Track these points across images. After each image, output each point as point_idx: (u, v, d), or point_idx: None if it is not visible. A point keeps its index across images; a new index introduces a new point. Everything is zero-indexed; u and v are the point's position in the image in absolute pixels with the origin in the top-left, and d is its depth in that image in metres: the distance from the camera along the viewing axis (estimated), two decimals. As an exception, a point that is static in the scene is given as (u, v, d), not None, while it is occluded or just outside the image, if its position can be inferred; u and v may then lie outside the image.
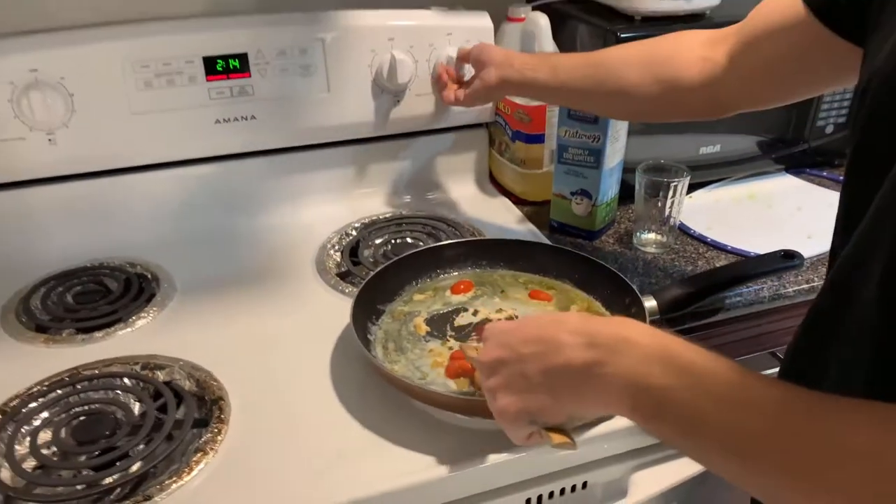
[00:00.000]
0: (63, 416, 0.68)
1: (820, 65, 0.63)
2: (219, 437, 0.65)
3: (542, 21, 0.98)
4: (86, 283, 0.89)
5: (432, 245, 0.87)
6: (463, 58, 0.95)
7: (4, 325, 0.81)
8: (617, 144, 0.93)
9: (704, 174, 1.05)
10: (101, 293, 0.87)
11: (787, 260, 0.80)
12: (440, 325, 0.78)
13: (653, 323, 0.71)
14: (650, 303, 0.72)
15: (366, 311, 0.77)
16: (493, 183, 1.11)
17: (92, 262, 0.92)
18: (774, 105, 0.73)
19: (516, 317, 0.78)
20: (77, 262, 0.92)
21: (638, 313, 0.71)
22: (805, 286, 0.87)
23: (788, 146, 1.11)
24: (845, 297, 0.47)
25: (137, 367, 0.74)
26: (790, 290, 0.86)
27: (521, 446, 0.57)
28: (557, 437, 0.51)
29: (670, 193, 0.91)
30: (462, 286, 0.83)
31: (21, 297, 0.86)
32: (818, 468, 0.36)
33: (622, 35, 0.92)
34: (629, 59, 0.76)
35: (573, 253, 0.83)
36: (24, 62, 0.85)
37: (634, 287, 0.73)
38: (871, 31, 0.51)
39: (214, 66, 0.92)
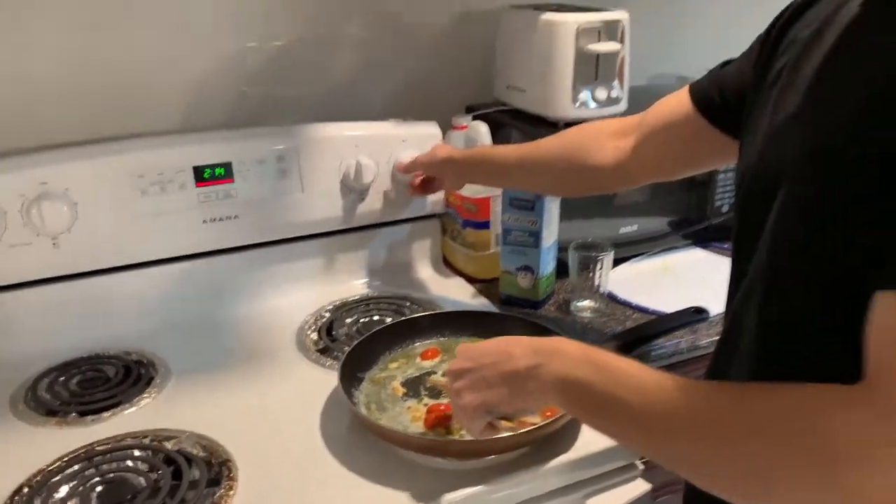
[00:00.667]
0: (85, 486, 0.76)
1: (704, 150, 0.82)
2: (230, 493, 0.74)
3: (483, 129, 1.17)
4: (86, 371, 0.98)
5: (403, 319, 1.01)
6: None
7: (15, 412, 0.89)
8: (552, 227, 1.10)
9: (626, 250, 1.23)
10: (102, 380, 0.96)
11: (697, 314, 0.97)
12: (414, 386, 0.90)
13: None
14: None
15: (348, 378, 0.89)
16: (447, 265, 1.26)
17: (90, 353, 1.01)
18: (673, 178, 0.91)
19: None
20: (77, 353, 1.00)
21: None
22: (716, 338, 1.03)
23: (694, 224, 1.30)
24: (738, 325, 0.63)
25: (147, 440, 0.83)
26: (703, 342, 1.03)
27: (478, 438, 0.70)
28: (507, 424, 0.68)
29: (598, 266, 1.08)
30: (430, 352, 0.96)
31: (27, 387, 0.94)
32: (704, 436, 0.50)
33: (549, 138, 1.11)
34: (552, 148, 0.95)
35: (521, 318, 0.98)
36: (34, 176, 0.97)
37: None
38: (743, 129, 0.69)
39: (202, 174, 1.05)
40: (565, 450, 0.80)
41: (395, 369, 0.94)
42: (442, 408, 0.83)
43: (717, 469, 0.50)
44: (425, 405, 0.86)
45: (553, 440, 0.80)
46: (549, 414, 0.80)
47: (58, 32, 1.05)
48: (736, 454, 0.48)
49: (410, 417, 0.84)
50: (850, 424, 0.43)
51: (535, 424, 0.74)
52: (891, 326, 0.44)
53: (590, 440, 0.81)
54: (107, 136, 1.06)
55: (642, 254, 1.27)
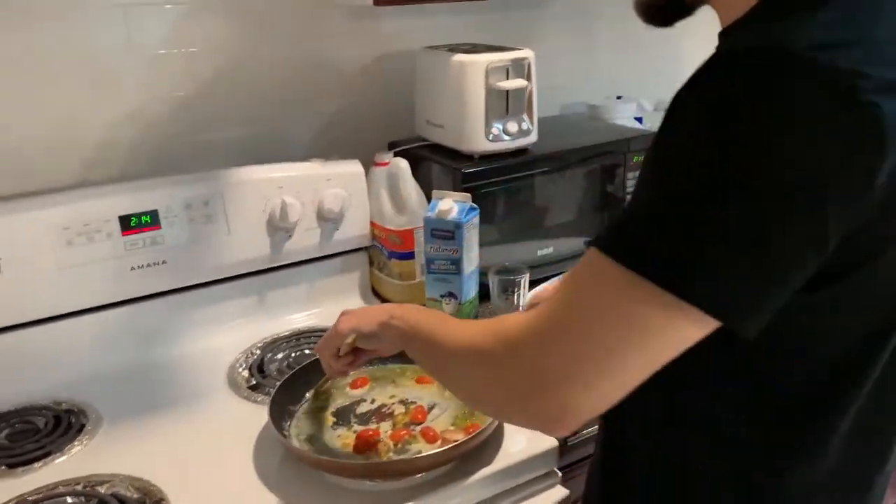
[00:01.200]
0: (16, 537, 0.77)
1: None
2: (165, 531, 0.77)
3: (403, 164, 1.22)
4: (14, 424, 0.98)
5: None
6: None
7: (-59, 470, 0.89)
8: (471, 254, 1.15)
9: (543, 271, 1.30)
10: (32, 431, 0.97)
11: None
12: (345, 415, 0.94)
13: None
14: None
15: (279, 413, 0.92)
16: (376, 295, 1.31)
17: (19, 406, 1.01)
18: None
19: (408, 401, 0.95)
20: (5, 406, 1.00)
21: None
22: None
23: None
24: None
25: (80, 486, 0.84)
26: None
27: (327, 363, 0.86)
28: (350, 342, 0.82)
29: (517, 288, 1.14)
30: (359, 382, 1.00)
31: (-46, 444, 0.93)
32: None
33: (464, 171, 1.17)
34: None
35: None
36: (-45, 234, 0.98)
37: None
38: None
39: (129, 223, 1.08)
40: (488, 462, 0.85)
41: (324, 400, 0.97)
42: (370, 433, 0.87)
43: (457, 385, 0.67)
44: (355, 432, 0.90)
45: (476, 455, 0.85)
46: (470, 430, 0.85)
47: (-24, 90, 1.07)
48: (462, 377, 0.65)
49: (341, 444, 0.88)
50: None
51: (457, 441, 0.79)
52: (575, 269, 0.55)
53: (511, 452, 0.86)
54: (28, 191, 1.07)
55: (559, 273, 1.34)
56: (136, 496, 0.82)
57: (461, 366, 0.64)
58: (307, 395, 0.98)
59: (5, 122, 1.09)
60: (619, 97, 1.64)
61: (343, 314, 0.85)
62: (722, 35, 0.60)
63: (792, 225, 0.48)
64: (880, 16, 0.52)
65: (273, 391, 0.93)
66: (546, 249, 1.31)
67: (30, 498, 0.83)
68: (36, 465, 0.89)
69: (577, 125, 1.53)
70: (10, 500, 0.82)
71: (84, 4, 1.11)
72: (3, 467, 0.89)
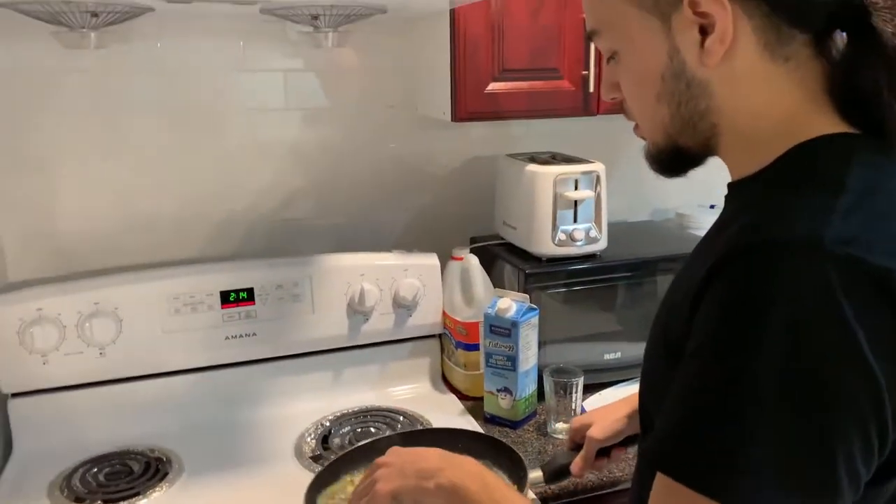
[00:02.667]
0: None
1: None
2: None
3: (474, 261, 1.32)
4: (115, 465, 1.14)
5: (367, 441, 1.10)
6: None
7: (51, 497, 1.06)
8: (529, 352, 1.21)
9: (609, 375, 1.32)
10: (126, 472, 1.12)
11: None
12: None
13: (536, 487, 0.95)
14: (535, 473, 0.96)
15: (319, 485, 0.99)
16: (445, 382, 1.38)
17: (121, 449, 1.18)
18: None
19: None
20: (110, 448, 1.17)
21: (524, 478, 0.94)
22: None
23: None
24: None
25: (152, 528, 0.97)
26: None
27: None
28: None
29: (572, 390, 1.18)
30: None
31: (65, 476, 1.11)
32: None
33: (527, 271, 1.24)
34: None
35: (489, 437, 1.08)
36: (89, 297, 1.18)
37: (524, 460, 0.97)
38: None
39: (228, 297, 1.24)
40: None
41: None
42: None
43: None
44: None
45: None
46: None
47: (114, 178, 1.30)
48: None
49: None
50: None
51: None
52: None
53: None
54: (149, 261, 1.28)
55: (627, 379, 1.35)
56: (192, 544, 0.94)
57: None
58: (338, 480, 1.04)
59: (153, 201, 1.32)
60: (711, 206, 1.64)
61: (384, 464, 0.80)
62: (731, 188, 0.65)
63: (852, 419, 0.49)
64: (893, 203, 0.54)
65: (309, 483, 1.00)
66: (614, 354, 1.34)
67: (111, 533, 0.97)
68: (123, 503, 1.04)
69: (657, 234, 1.55)
70: (95, 533, 0.96)
71: (223, 113, 1.33)
72: (100, 501, 1.05)
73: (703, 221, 1.59)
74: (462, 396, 1.33)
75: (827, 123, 0.59)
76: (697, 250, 0.66)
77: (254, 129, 1.37)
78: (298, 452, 1.17)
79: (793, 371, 0.48)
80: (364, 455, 1.06)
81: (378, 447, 1.08)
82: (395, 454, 0.82)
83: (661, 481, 0.54)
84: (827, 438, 0.48)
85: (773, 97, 0.61)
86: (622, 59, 0.67)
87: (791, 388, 0.48)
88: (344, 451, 1.07)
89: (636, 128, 0.71)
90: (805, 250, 0.49)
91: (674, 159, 0.68)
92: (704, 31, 0.59)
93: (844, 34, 0.60)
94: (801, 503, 0.49)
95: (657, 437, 0.55)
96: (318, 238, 1.44)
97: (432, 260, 1.35)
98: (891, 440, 0.50)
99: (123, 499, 1.05)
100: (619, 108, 0.71)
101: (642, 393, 0.72)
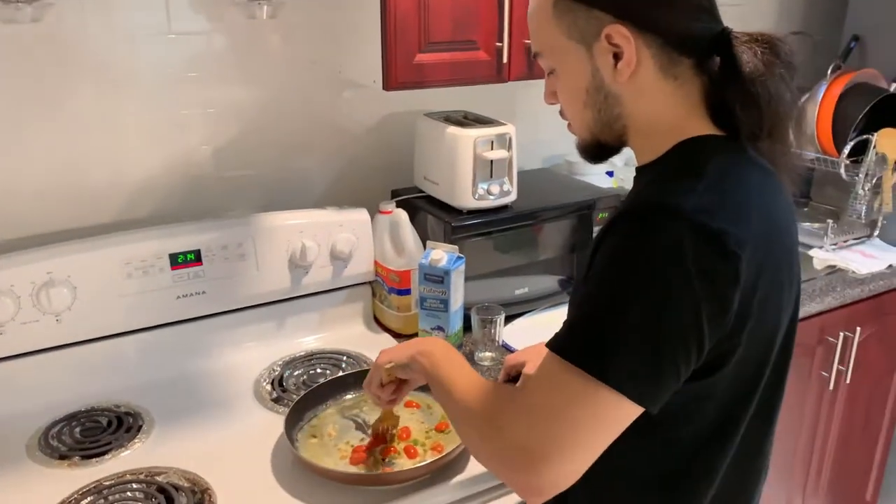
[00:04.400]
0: (98, 512, 1.02)
1: None
2: (211, 512, 1.01)
3: (403, 216, 1.47)
4: (84, 423, 1.22)
5: (336, 376, 1.28)
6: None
7: (32, 457, 1.13)
8: (457, 295, 1.40)
9: (519, 308, 1.54)
10: (99, 429, 1.21)
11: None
12: (345, 431, 1.18)
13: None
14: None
15: (293, 422, 1.16)
16: (377, 323, 1.55)
17: (87, 407, 1.25)
18: None
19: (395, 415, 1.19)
20: (76, 407, 1.25)
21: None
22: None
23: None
24: None
25: (143, 475, 1.09)
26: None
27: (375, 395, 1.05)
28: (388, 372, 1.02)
29: (494, 325, 1.39)
30: (412, 403, 1.22)
31: (40, 436, 1.18)
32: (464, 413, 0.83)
33: (453, 224, 1.42)
34: None
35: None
36: (41, 267, 1.22)
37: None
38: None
39: (177, 259, 1.32)
40: (460, 471, 1.10)
41: (327, 417, 1.21)
42: (364, 448, 1.11)
43: (461, 435, 0.87)
44: (351, 446, 1.14)
45: (449, 468, 1.09)
46: (440, 450, 1.09)
47: (48, 144, 1.31)
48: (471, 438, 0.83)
49: (339, 455, 1.12)
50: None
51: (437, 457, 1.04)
52: (543, 368, 0.75)
53: (476, 467, 1.11)
54: (89, 225, 1.32)
55: (534, 310, 1.58)
56: (187, 485, 1.06)
57: (465, 426, 0.84)
58: (316, 409, 1.21)
59: (65, 172, 1.34)
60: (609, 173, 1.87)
61: (382, 351, 1.04)
62: (638, 171, 0.85)
63: (681, 333, 0.71)
64: (740, 183, 0.77)
65: (287, 411, 1.16)
66: (522, 289, 1.56)
67: (105, 483, 1.07)
68: (106, 457, 1.13)
69: (553, 182, 1.75)
70: (90, 484, 1.06)
71: (149, 77, 1.36)
72: (78, 458, 1.13)
73: (589, 167, 1.82)
74: (395, 335, 1.51)
75: (702, 126, 0.82)
76: (613, 211, 0.88)
77: (181, 92, 1.41)
78: (258, 396, 1.30)
79: (648, 297, 0.70)
80: (323, 393, 1.23)
81: (340, 384, 1.25)
82: (386, 349, 1.04)
83: (547, 357, 0.75)
84: (663, 342, 0.71)
85: (665, 106, 0.82)
86: (559, 75, 0.86)
87: (644, 309, 0.70)
88: (303, 391, 1.23)
89: (569, 126, 0.90)
90: (669, 214, 0.71)
91: (597, 150, 0.90)
92: (617, 57, 0.80)
93: (718, 59, 0.81)
94: (633, 376, 0.71)
95: (555, 334, 0.77)
96: (249, 196, 1.52)
97: (363, 215, 1.49)
98: (706, 350, 0.73)
99: (105, 452, 1.14)
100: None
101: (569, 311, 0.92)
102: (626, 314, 0.71)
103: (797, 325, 0.88)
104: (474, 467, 1.10)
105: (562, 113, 0.90)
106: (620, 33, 0.77)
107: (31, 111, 1.29)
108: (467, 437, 0.85)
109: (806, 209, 2.18)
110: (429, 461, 1.06)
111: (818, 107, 1.92)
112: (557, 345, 0.75)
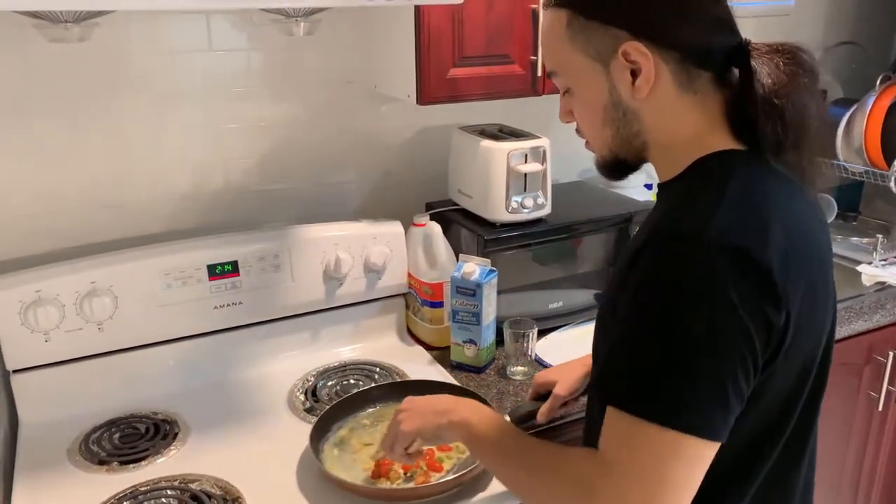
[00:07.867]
0: (133, 518, 1.04)
1: None
2: (241, 521, 1.03)
3: (437, 229, 1.47)
4: (124, 429, 1.26)
5: (362, 389, 1.28)
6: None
7: (73, 462, 1.17)
8: (490, 308, 1.39)
9: (554, 322, 1.53)
10: (137, 435, 1.24)
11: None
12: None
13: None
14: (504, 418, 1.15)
15: (319, 434, 1.16)
16: (410, 335, 1.56)
17: (126, 414, 1.29)
18: None
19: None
20: (115, 414, 1.28)
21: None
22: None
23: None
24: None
25: (177, 482, 1.11)
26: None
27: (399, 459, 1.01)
28: (418, 445, 0.98)
29: (526, 338, 1.38)
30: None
31: (80, 441, 1.21)
32: (543, 482, 0.80)
33: (486, 237, 1.42)
34: None
35: (455, 386, 1.26)
36: (85, 277, 1.26)
37: (491, 404, 1.16)
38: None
39: (214, 271, 1.35)
40: (483, 489, 1.09)
41: (353, 429, 1.22)
42: (386, 462, 1.10)
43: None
44: (374, 460, 1.13)
45: (471, 486, 1.08)
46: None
47: (95, 157, 1.36)
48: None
49: (363, 468, 1.12)
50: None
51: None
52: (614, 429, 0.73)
53: (498, 485, 1.09)
54: (133, 236, 1.36)
55: (567, 324, 1.57)
56: (219, 493, 1.08)
57: (545, 496, 0.80)
58: (344, 419, 1.22)
59: (125, 180, 1.39)
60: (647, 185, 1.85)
61: (404, 409, 0.99)
62: (660, 188, 0.84)
63: (743, 362, 0.70)
64: (765, 198, 0.75)
65: (312, 426, 1.17)
66: (557, 303, 1.55)
67: (141, 489, 1.09)
68: (143, 463, 1.16)
69: (589, 195, 1.73)
70: (126, 489, 1.09)
71: (189, 92, 1.40)
72: (116, 463, 1.16)
73: (625, 181, 1.79)
74: (428, 347, 1.51)
75: (723, 141, 0.80)
76: (640, 227, 0.87)
77: (222, 107, 1.44)
78: (292, 405, 1.32)
79: (692, 330, 0.69)
80: (350, 405, 1.23)
81: (366, 397, 1.25)
82: (411, 402, 1.00)
83: (611, 412, 0.74)
84: (727, 378, 0.70)
85: (686, 121, 0.81)
86: (575, 93, 0.86)
87: (702, 349, 0.69)
88: (333, 402, 1.24)
89: (587, 144, 0.90)
90: (695, 242, 0.70)
91: (617, 168, 0.88)
92: (634, 74, 0.78)
93: (737, 71, 0.79)
94: (704, 415, 0.70)
95: (604, 378, 0.75)
96: (286, 208, 1.55)
97: (397, 228, 1.50)
98: (760, 368, 0.72)
99: (142, 459, 1.17)
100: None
101: (596, 333, 0.91)
102: (686, 360, 0.70)
103: (834, 344, 0.85)
104: (497, 485, 1.09)
105: (578, 131, 0.90)
106: (638, 50, 0.76)
107: (79, 125, 1.34)
108: (546, 499, 0.81)
109: (855, 223, 2.11)
110: (455, 475, 1.05)
111: (867, 119, 1.87)
112: (628, 401, 0.72)
